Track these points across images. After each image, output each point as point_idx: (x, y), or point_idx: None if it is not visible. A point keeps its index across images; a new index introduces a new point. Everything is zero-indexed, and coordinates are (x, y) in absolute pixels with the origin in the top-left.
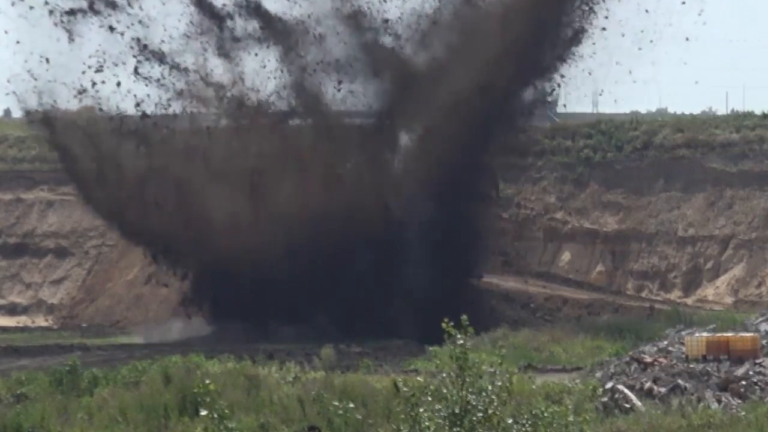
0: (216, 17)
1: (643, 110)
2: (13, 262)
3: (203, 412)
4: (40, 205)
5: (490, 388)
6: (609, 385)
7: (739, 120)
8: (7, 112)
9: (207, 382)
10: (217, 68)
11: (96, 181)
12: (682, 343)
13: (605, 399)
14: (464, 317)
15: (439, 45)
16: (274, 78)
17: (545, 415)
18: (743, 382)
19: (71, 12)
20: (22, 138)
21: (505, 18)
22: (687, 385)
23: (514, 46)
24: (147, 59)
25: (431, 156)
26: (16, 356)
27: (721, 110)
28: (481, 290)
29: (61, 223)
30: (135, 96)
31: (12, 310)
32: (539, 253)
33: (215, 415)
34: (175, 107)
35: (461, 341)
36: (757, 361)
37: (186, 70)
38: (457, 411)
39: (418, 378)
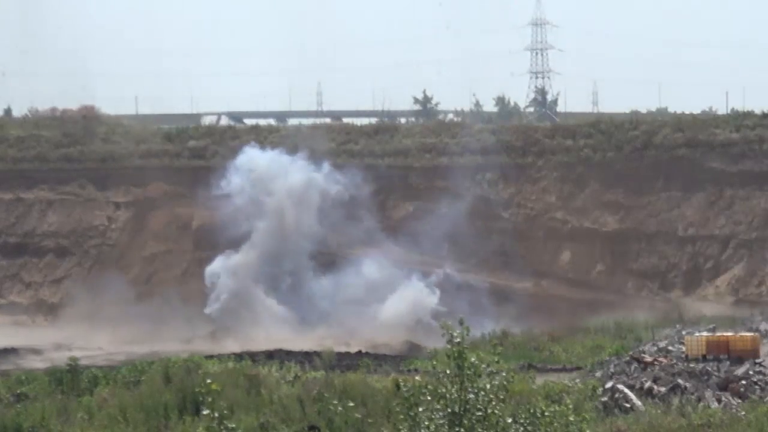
0: None
1: (643, 110)
2: (13, 262)
3: (205, 412)
4: (40, 205)
5: (488, 386)
6: (609, 384)
7: (739, 120)
8: (8, 111)
9: (209, 381)
10: None
11: None
12: (682, 343)
13: (605, 398)
14: (461, 317)
15: None
16: None
17: (545, 414)
18: (743, 382)
19: None
20: (22, 138)
21: None
22: (687, 384)
23: None
24: None
25: None
26: (16, 356)
27: (721, 110)
28: None
29: (61, 223)
30: None
31: (12, 309)
32: (539, 253)
33: (216, 415)
34: None
35: (459, 340)
36: (757, 360)
37: None
38: (456, 410)
39: (417, 378)
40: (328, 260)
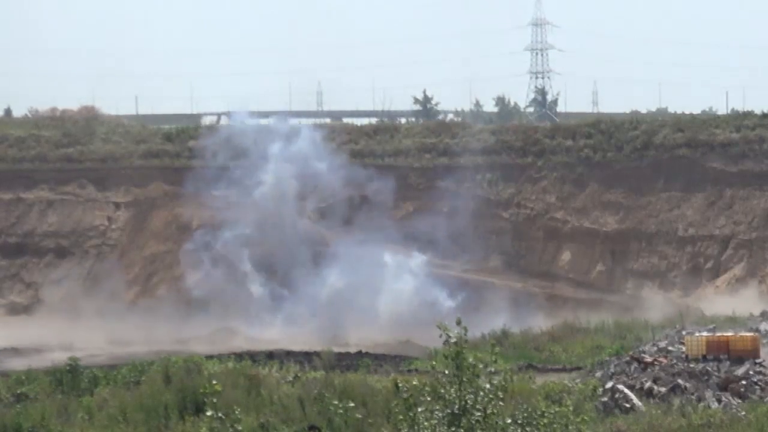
0: None
1: (643, 110)
2: (13, 262)
3: (209, 413)
4: (40, 205)
5: (487, 386)
6: (609, 384)
7: (739, 120)
8: (8, 111)
9: (214, 382)
10: None
11: None
12: (682, 343)
13: (605, 399)
14: (458, 317)
15: None
16: None
17: (544, 414)
18: (743, 382)
19: None
20: (22, 138)
21: None
22: (687, 384)
23: None
24: None
25: None
26: (16, 356)
27: (721, 110)
28: None
29: (61, 222)
30: None
31: (12, 309)
32: (539, 253)
33: (221, 416)
34: None
35: (455, 340)
36: (757, 360)
37: None
38: (455, 411)
39: (415, 380)
40: (326, 258)
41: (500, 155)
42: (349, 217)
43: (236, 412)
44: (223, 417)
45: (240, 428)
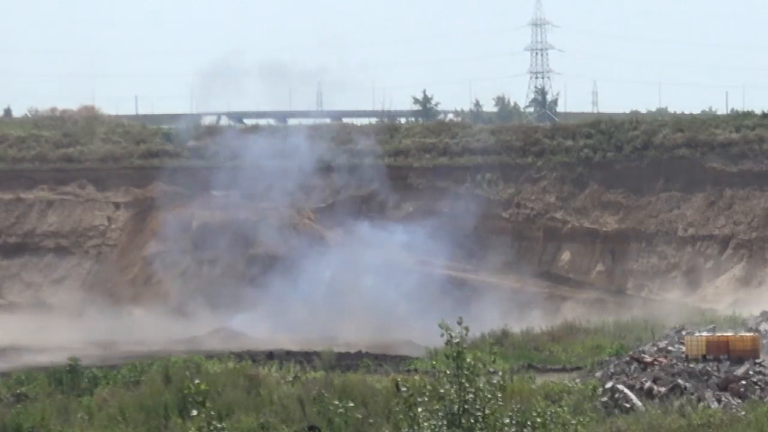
0: None
1: (643, 110)
2: (13, 262)
3: (194, 413)
4: (40, 205)
5: (486, 386)
6: (609, 384)
7: (739, 120)
8: (8, 111)
9: (197, 382)
10: None
11: None
12: (682, 343)
13: (605, 399)
14: (460, 317)
15: None
16: None
17: (543, 415)
18: (743, 382)
19: None
20: (22, 138)
21: None
22: (687, 384)
23: None
24: None
25: None
26: (15, 356)
27: (721, 110)
28: None
29: (61, 222)
30: None
31: (12, 309)
32: (539, 253)
33: (212, 413)
34: None
35: (457, 340)
36: (757, 360)
37: None
38: (455, 411)
39: (416, 378)
40: (324, 257)
41: (500, 155)
42: (348, 217)
43: (212, 413)
44: (203, 415)
45: (220, 426)
